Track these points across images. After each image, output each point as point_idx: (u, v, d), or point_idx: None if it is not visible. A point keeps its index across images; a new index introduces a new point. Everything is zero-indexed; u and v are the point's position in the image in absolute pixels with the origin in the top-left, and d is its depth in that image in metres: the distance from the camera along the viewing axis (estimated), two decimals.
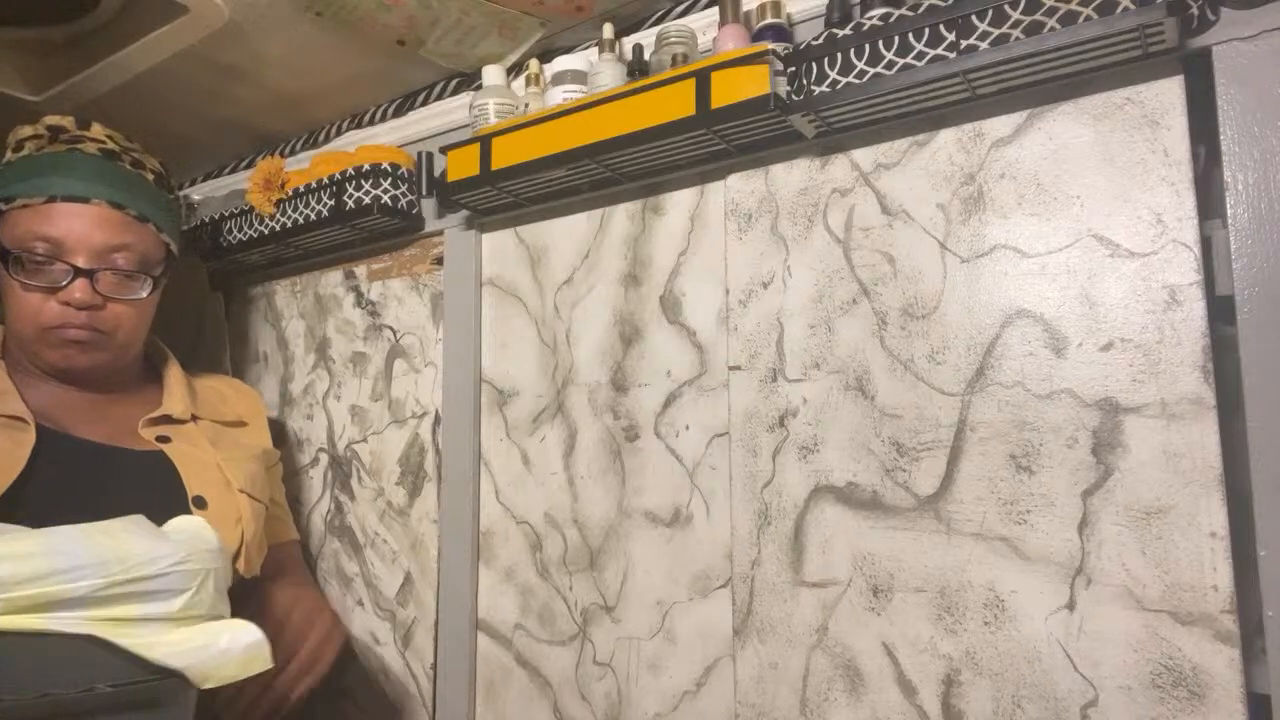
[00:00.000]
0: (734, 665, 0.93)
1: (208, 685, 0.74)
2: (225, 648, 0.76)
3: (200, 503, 0.95)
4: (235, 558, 0.96)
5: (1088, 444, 0.77)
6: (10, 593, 0.68)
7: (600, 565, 1.05)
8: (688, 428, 1.00)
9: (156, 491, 0.95)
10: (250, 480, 1.04)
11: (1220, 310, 0.74)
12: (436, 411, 1.22)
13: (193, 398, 1.09)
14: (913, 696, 0.83)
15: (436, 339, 1.24)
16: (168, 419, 1.03)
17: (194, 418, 1.06)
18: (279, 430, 1.37)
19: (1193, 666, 0.71)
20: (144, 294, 1.03)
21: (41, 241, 0.95)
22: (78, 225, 0.96)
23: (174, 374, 1.10)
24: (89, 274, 0.97)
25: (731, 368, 0.97)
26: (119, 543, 0.74)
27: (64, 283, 0.96)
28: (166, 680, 0.72)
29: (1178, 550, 0.73)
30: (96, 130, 1.04)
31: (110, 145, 1.04)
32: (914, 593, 0.84)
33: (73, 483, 0.91)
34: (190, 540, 0.78)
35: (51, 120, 1.02)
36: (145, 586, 0.73)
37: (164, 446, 0.99)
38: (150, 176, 1.06)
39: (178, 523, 0.80)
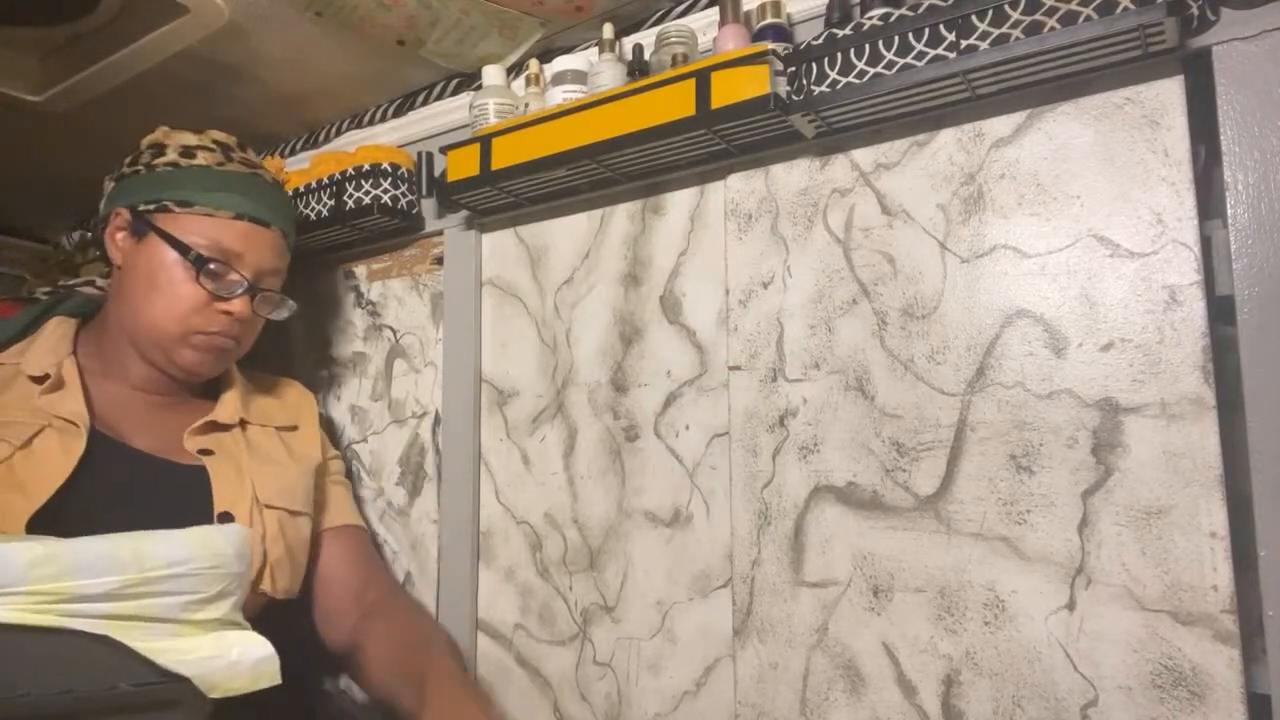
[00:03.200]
0: (734, 665, 0.93)
1: (214, 695, 0.74)
2: (235, 660, 0.76)
3: (225, 519, 0.96)
4: (259, 577, 0.96)
5: (1088, 444, 0.77)
6: (33, 586, 0.69)
7: (600, 565, 1.05)
8: (688, 428, 1.00)
9: (190, 506, 0.96)
10: (285, 491, 1.04)
11: (1220, 310, 0.74)
12: (436, 411, 1.22)
13: (246, 403, 1.09)
14: (913, 696, 0.83)
15: (436, 339, 1.24)
16: (214, 425, 1.04)
17: (243, 423, 1.07)
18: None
19: (1193, 666, 0.71)
20: (285, 314, 1.10)
21: (221, 251, 1.01)
22: (258, 245, 1.04)
23: (233, 380, 1.11)
24: (253, 291, 1.03)
25: (731, 368, 0.97)
26: (138, 544, 0.76)
27: (236, 293, 1.02)
28: (184, 684, 0.73)
29: (1178, 550, 0.73)
30: (259, 160, 1.10)
31: (278, 179, 1.12)
32: (914, 593, 0.84)
33: (114, 492, 0.92)
34: (209, 546, 0.78)
35: (219, 137, 1.08)
36: (160, 587, 0.75)
37: (205, 460, 1.00)
38: (293, 211, 1.15)
39: (201, 530, 0.81)
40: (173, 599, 0.75)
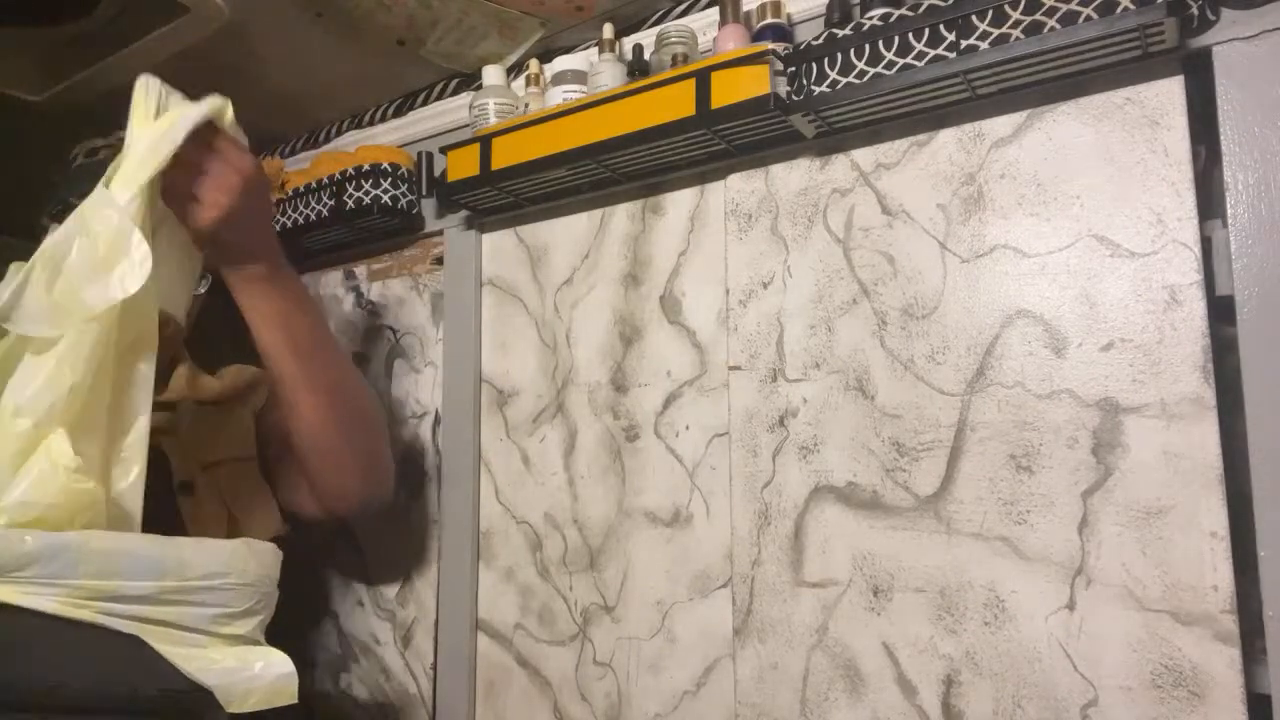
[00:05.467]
0: (734, 665, 0.93)
1: (231, 709, 0.75)
2: (256, 674, 0.78)
3: (185, 489, 0.97)
4: (232, 527, 0.98)
5: (1088, 444, 0.77)
6: (82, 580, 0.71)
7: (600, 565, 1.05)
8: (688, 428, 1.00)
9: (156, 482, 0.97)
10: (228, 442, 1.04)
11: (1220, 310, 0.74)
12: (436, 411, 1.22)
13: (192, 383, 1.10)
14: (913, 696, 0.83)
15: (436, 339, 1.24)
16: (157, 405, 1.05)
17: (186, 399, 1.08)
18: None
19: (1193, 666, 0.71)
20: (202, 289, 1.07)
21: None
22: None
23: (180, 363, 1.11)
24: None
25: (731, 368, 0.97)
26: (182, 552, 0.77)
27: None
28: (206, 696, 0.74)
29: (1178, 550, 0.73)
30: None
31: None
32: (914, 593, 0.84)
33: None
34: (244, 562, 0.80)
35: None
36: (195, 597, 0.77)
37: (161, 439, 1.01)
38: None
39: (240, 546, 0.82)
40: (204, 610, 0.77)
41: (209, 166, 0.82)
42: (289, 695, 0.79)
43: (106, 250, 0.76)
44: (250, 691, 0.77)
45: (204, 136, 0.82)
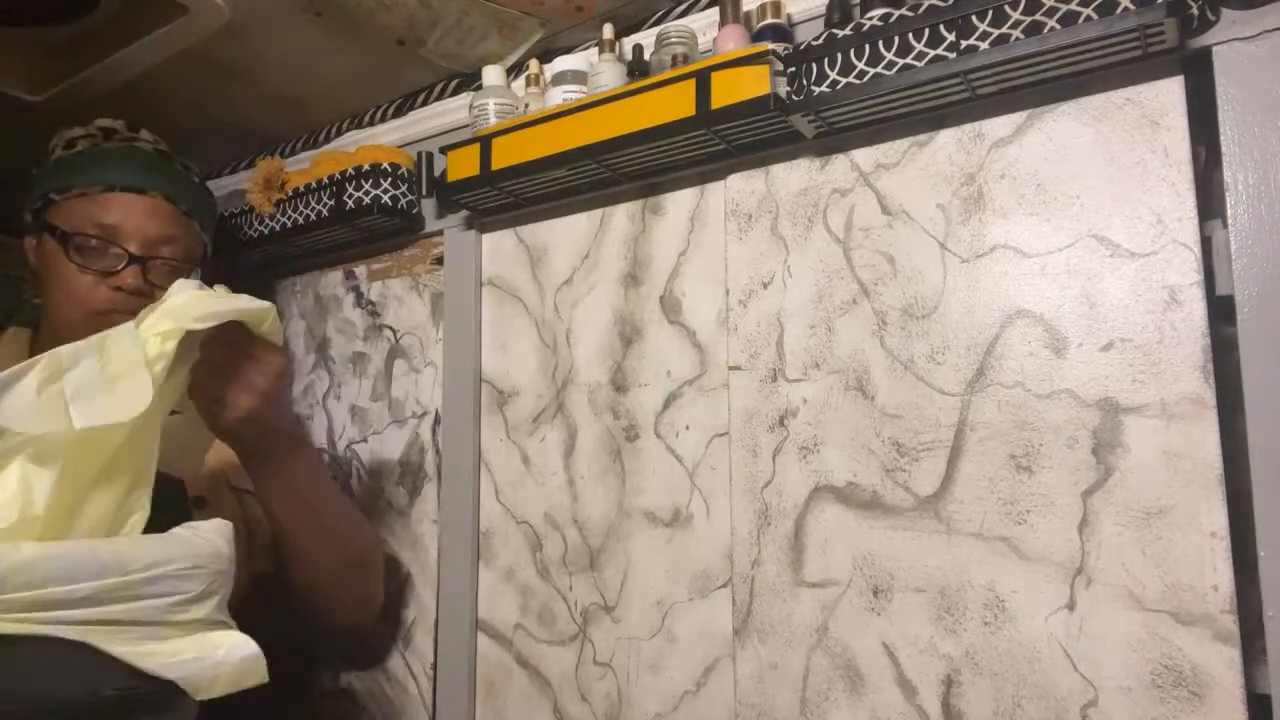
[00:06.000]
0: (734, 665, 0.93)
1: (201, 696, 0.74)
2: (221, 660, 0.75)
3: (199, 503, 0.96)
4: (249, 559, 0.97)
5: (1088, 444, 0.77)
6: (12, 594, 0.68)
7: (600, 565, 1.05)
8: (688, 428, 1.00)
9: (162, 491, 0.95)
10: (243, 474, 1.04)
11: (1220, 310, 0.74)
12: (436, 411, 1.22)
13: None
14: (913, 696, 0.83)
15: (436, 339, 1.24)
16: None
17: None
18: None
19: (1193, 666, 0.71)
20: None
21: (98, 227, 0.99)
22: (134, 214, 1.01)
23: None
24: (141, 261, 1.00)
25: (731, 368, 0.97)
26: (118, 547, 0.74)
27: (118, 268, 0.99)
28: (168, 688, 0.72)
29: (1178, 550, 0.73)
30: (145, 133, 1.08)
31: (162, 146, 1.09)
32: (914, 593, 0.84)
33: None
34: (190, 545, 0.77)
35: (103, 122, 1.07)
36: (143, 589, 0.73)
37: None
38: (196, 179, 1.11)
39: (181, 529, 0.80)
40: (157, 601, 0.73)
41: (237, 368, 0.83)
42: (258, 676, 0.77)
43: (111, 377, 0.76)
44: (216, 678, 0.75)
45: (234, 337, 0.83)
